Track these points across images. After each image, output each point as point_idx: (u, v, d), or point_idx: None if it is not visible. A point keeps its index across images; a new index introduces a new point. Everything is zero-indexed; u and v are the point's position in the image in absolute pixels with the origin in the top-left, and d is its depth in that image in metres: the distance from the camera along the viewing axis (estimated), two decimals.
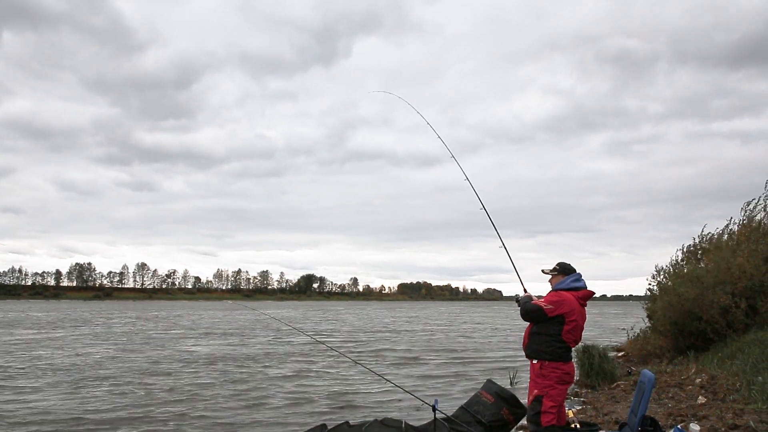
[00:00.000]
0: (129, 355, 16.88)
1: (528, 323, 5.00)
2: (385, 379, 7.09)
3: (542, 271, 5.18)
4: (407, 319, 45.55)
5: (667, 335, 12.08)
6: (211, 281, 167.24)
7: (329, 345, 10.48)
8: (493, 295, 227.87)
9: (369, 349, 18.94)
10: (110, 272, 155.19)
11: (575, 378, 5.00)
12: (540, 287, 5.28)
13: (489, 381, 6.26)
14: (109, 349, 18.82)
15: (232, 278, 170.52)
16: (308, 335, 13.82)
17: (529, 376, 4.95)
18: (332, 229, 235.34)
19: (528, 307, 4.86)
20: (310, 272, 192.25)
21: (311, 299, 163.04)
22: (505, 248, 5.75)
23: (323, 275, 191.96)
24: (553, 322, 4.75)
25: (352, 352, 17.44)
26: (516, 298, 5.13)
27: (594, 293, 4.93)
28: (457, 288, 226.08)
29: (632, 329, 15.11)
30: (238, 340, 22.92)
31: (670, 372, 9.99)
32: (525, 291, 5.24)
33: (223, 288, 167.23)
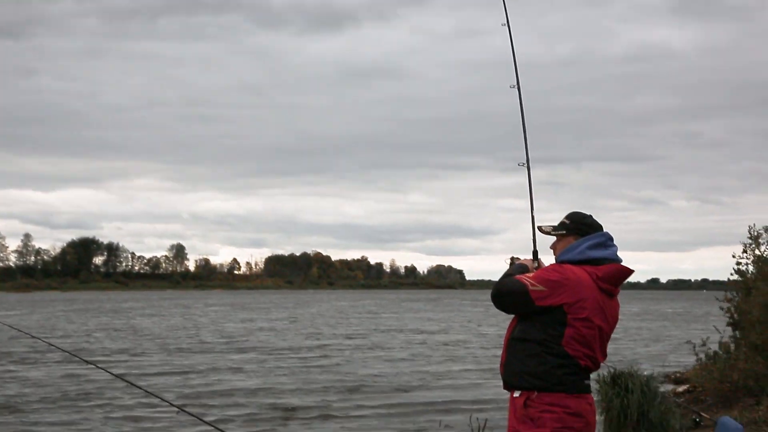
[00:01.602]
0: None
1: (509, 323, 5.12)
2: None
3: (539, 228, 5.28)
4: (278, 327, 45.95)
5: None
6: None
7: (126, 379, 10.18)
8: (446, 280, 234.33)
9: (202, 388, 19.25)
10: None
11: (594, 429, 5.12)
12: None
13: None
14: None
15: None
16: (85, 360, 13.46)
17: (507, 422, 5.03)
18: (131, 149, 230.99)
19: (504, 283, 4.97)
20: (87, 234, 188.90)
21: (89, 287, 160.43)
22: (528, 168, 5.87)
23: (114, 240, 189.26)
24: (546, 318, 4.86)
25: (172, 393, 17.62)
26: (510, 266, 5.28)
27: (631, 271, 5.04)
28: (379, 265, 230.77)
29: (704, 344, 15.80)
30: None
31: None
32: (534, 257, 5.37)
33: None
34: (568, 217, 5.15)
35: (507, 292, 4.92)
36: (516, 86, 6.12)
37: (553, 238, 5.19)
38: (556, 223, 5.19)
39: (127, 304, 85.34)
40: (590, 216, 5.14)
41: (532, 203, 5.76)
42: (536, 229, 5.48)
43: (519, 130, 5.90)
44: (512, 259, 5.33)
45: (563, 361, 4.81)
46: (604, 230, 5.09)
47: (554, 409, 4.76)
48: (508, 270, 5.15)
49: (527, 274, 4.97)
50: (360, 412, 15.70)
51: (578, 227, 5.08)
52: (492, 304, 5.01)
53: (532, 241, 5.49)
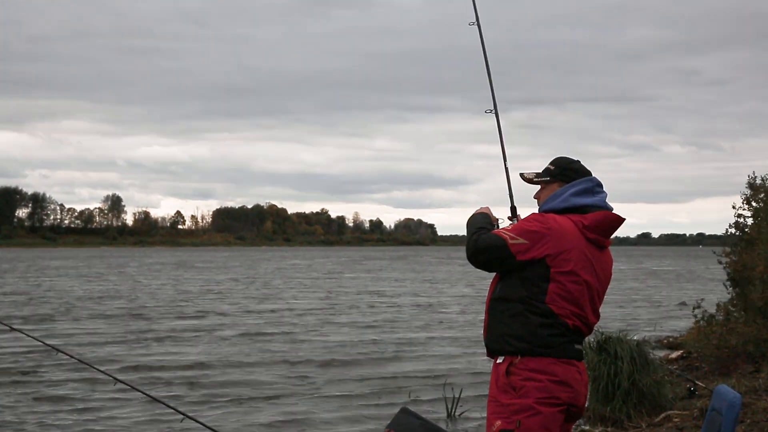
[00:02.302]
0: None
1: (490, 283, 5.18)
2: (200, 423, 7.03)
3: (522, 176, 5.30)
4: (226, 289, 46.16)
5: None
6: None
7: (60, 348, 10.19)
8: (415, 235, 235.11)
9: (142, 359, 19.32)
10: None
11: (585, 401, 5.17)
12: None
13: (404, 411, 6.40)
14: None
15: None
16: (10, 327, 13.55)
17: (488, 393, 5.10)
18: (58, 86, 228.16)
19: (481, 239, 4.99)
20: (8, 183, 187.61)
21: (11, 243, 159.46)
22: (496, 115, 5.91)
23: (40, 191, 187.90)
24: (528, 273, 4.93)
25: (107, 364, 17.60)
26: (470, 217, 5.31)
27: (622, 219, 5.10)
28: (341, 218, 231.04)
29: (699, 306, 16.00)
30: None
31: None
32: (512, 213, 5.49)
33: None
34: (553, 162, 5.19)
35: (484, 249, 4.94)
36: (475, 23, 6.08)
37: (537, 187, 5.23)
38: (539, 170, 5.21)
39: (54, 262, 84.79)
40: (578, 161, 5.18)
41: (505, 154, 5.77)
42: (510, 185, 5.51)
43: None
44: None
45: (548, 321, 4.86)
46: (592, 175, 5.13)
47: (539, 376, 4.81)
48: (471, 221, 5.15)
49: (505, 227, 5.01)
50: (322, 387, 15.78)
51: (564, 173, 5.12)
52: (469, 263, 5.04)
53: (508, 195, 5.52)
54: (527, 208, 5.30)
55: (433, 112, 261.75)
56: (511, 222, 5.32)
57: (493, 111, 5.96)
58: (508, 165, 5.67)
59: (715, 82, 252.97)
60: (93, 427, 12.38)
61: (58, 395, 14.66)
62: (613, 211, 5.07)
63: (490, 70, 5.97)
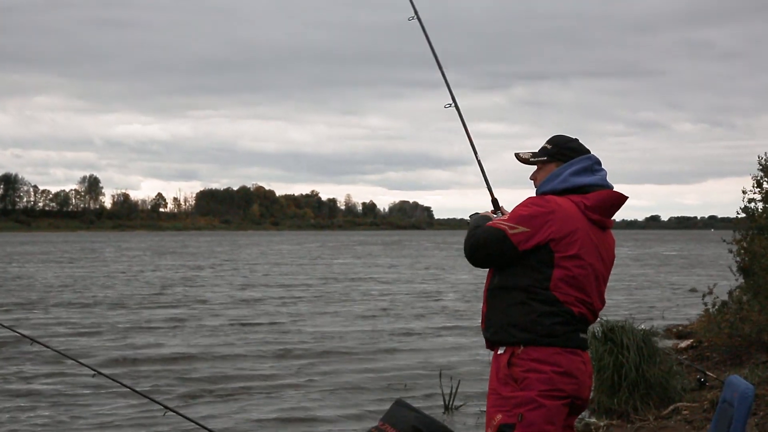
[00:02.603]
0: None
1: (486, 277, 5.18)
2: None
3: (518, 156, 5.29)
4: (209, 276, 46.28)
5: None
6: None
7: (38, 340, 10.17)
8: (411, 218, 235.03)
9: (120, 351, 19.39)
10: None
11: (590, 392, 5.15)
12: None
13: (398, 403, 6.42)
14: None
15: None
16: None
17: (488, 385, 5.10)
18: (30, 60, 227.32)
19: (476, 235, 5.01)
20: None
21: None
22: (458, 109, 5.92)
23: (11, 171, 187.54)
24: (530, 260, 4.93)
25: (92, 359, 17.52)
26: (471, 219, 5.32)
27: (625, 198, 5.11)
28: (333, 201, 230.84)
29: (711, 292, 16.04)
30: None
31: None
32: (494, 207, 5.50)
33: None
34: (549, 141, 5.17)
35: (482, 244, 4.95)
36: (414, 17, 6.06)
37: (534, 168, 5.21)
38: (536, 150, 5.20)
39: (25, 247, 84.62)
40: (576, 140, 5.18)
41: (475, 149, 5.77)
42: (487, 178, 5.50)
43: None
44: (475, 215, 5.36)
45: (552, 309, 4.86)
46: (592, 153, 5.12)
47: (542, 367, 4.81)
48: (475, 221, 5.16)
49: (502, 218, 5.01)
50: (314, 380, 15.80)
51: (562, 152, 5.11)
52: (466, 257, 5.03)
53: (486, 182, 5.52)
54: (525, 191, 5.29)
55: (429, 88, 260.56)
56: (495, 216, 5.28)
57: (453, 105, 5.97)
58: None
59: (728, 55, 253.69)
60: (71, 423, 12.38)
61: (32, 389, 14.68)
62: (617, 190, 5.06)
63: (441, 65, 5.96)
